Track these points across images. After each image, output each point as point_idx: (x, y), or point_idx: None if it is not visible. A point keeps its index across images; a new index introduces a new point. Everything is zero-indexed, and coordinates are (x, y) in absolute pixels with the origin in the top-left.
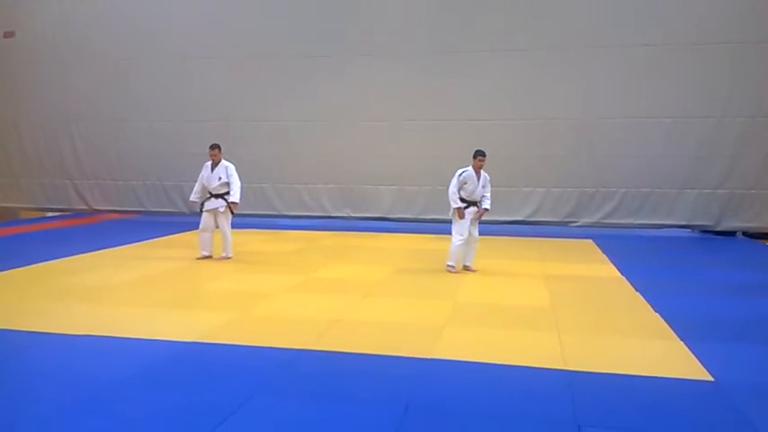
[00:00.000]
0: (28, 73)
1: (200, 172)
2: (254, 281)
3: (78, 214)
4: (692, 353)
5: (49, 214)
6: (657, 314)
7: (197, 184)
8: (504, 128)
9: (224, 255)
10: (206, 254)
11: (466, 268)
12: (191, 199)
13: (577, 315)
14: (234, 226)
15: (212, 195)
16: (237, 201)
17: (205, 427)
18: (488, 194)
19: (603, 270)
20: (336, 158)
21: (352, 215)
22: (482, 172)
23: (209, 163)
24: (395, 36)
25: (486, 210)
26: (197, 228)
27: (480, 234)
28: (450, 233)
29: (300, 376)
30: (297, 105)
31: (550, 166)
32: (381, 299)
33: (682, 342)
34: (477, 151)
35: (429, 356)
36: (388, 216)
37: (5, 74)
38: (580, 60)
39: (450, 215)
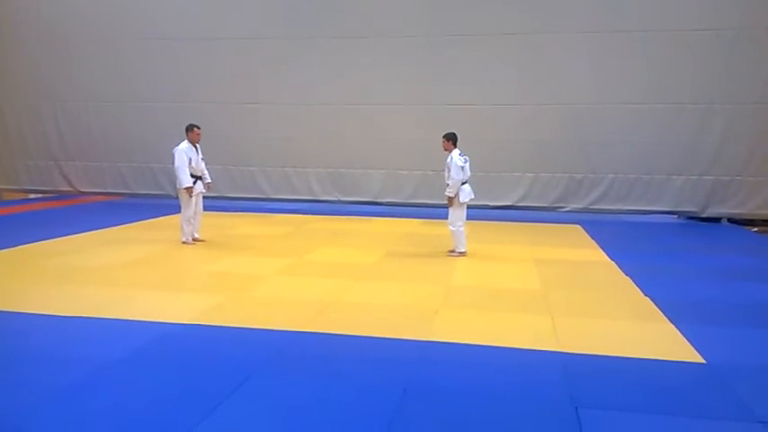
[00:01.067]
0: (12, 52)
1: (179, 156)
2: (245, 264)
3: (63, 196)
4: (683, 336)
5: (32, 196)
6: (648, 298)
7: (186, 168)
8: (494, 113)
9: (198, 236)
10: (198, 237)
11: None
12: (189, 185)
13: (569, 298)
14: (222, 209)
15: (197, 178)
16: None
17: (202, 409)
18: (450, 180)
19: (593, 255)
20: (326, 142)
21: (342, 199)
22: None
23: (189, 145)
24: (386, 19)
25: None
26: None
27: (469, 219)
28: (447, 219)
29: (296, 359)
30: (287, 88)
31: (540, 152)
32: (374, 282)
33: (672, 325)
34: (191, 124)
35: (425, 339)
36: (378, 200)
37: None
38: (572, 46)
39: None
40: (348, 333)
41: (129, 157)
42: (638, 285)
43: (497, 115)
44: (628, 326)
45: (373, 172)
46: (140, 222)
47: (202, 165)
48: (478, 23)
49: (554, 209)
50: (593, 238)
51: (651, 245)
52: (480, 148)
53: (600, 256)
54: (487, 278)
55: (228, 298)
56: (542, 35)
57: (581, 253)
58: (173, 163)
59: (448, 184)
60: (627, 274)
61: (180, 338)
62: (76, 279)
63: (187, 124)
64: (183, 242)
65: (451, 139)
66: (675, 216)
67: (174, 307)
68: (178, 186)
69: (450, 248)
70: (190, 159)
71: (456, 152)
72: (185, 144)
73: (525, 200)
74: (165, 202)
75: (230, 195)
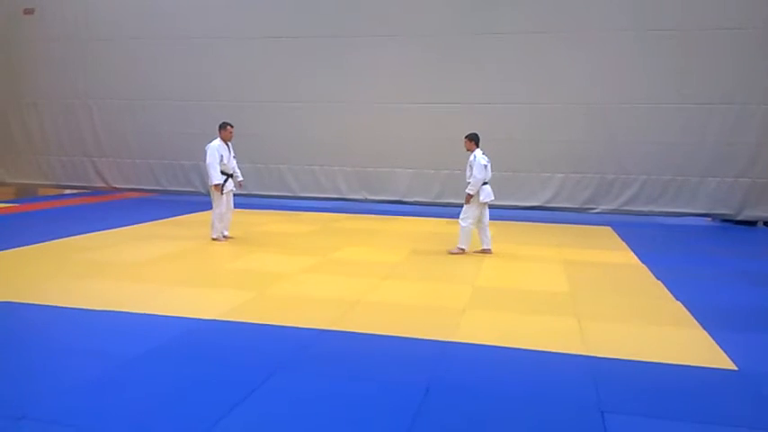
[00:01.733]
0: (48, 50)
1: (211, 153)
2: (273, 261)
3: (97, 192)
4: (715, 341)
5: (67, 191)
6: (679, 302)
7: (217, 165)
8: (522, 112)
9: (228, 234)
10: (227, 234)
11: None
12: (219, 182)
13: (597, 301)
14: (251, 207)
15: (228, 176)
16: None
17: (225, 404)
18: (472, 179)
19: (623, 257)
20: (353, 141)
21: (369, 198)
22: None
23: (221, 142)
24: (414, 17)
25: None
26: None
27: (497, 219)
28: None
29: (321, 356)
30: (314, 87)
31: (569, 152)
32: (400, 281)
33: (704, 331)
34: (225, 122)
35: (450, 339)
36: (405, 199)
37: (25, 51)
38: (601, 44)
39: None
40: (373, 332)
41: (160, 155)
42: (669, 289)
43: (526, 114)
44: (657, 330)
45: (400, 171)
46: (171, 219)
47: (234, 163)
48: (507, 22)
49: (584, 210)
50: (623, 240)
51: (684, 248)
52: (508, 147)
53: (630, 258)
54: (514, 279)
55: (255, 295)
56: (572, 33)
57: (611, 255)
58: (204, 160)
59: (469, 182)
60: (658, 278)
61: (206, 334)
62: (106, 274)
63: (221, 122)
64: (214, 239)
65: (474, 140)
66: (709, 219)
67: (201, 303)
68: (209, 183)
69: (460, 247)
70: (221, 157)
71: (479, 151)
72: (217, 141)
73: (555, 200)
74: (195, 199)
75: (259, 193)
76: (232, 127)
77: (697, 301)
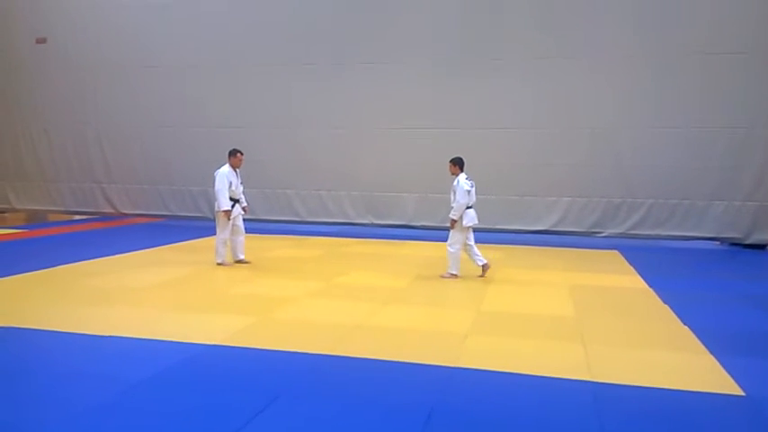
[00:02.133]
0: (59, 79)
1: (220, 179)
2: (277, 286)
3: (106, 218)
4: (722, 366)
5: (77, 217)
6: (686, 327)
7: (226, 191)
8: (528, 136)
9: (243, 258)
10: (242, 258)
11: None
12: (227, 208)
13: (603, 326)
14: (258, 231)
15: (235, 201)
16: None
17: (227, 429)
18: (455, 203)
19: (630, 281)
20: (359, 165)
21: (375, 222)
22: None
23: (231, 169)
24: (420, 43)
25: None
26: None
27: (503, 243)
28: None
29: (323, 381)
30: (321, 113)
31: (576, 176)
32: (404, 306)
33: (712, 356)
34: (235, 149)
35: (452, 365)
36: (411, 224)
37: (37, 79)
38: (607, 69)
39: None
40: (375, 357)
41: (169, 181)
42: (676, 314)
43: (532, 138)
44: (663, 356)
45: (407, 195)
46: (178, 244)
47: (241, 189)
48: (512, 48)
49: (591, 234)
50: (630, 264)
51: (691, 272)
52: (515, 171)
53: (637, 282)
54: (519, 304)
55: (258, 320)
56: (575, 58)
57: (617, 279)
58: (213, 185)
59: (452, 207)
60: (665, 302)
61: (209, 359)
62: (112, 299)
63: (231, 149)
64: (219, 263)
65: (458, 164)
66: (718, 242)
67: (204, 328)
68: (216, 209)
69: (451, 272)
70: (230, 183)
71: (462, 176)
72: (226, 168)
73: (561, 224)
74: (203, 224)
75: (266, 218)
76: (242, 154)
77: (704, 325)
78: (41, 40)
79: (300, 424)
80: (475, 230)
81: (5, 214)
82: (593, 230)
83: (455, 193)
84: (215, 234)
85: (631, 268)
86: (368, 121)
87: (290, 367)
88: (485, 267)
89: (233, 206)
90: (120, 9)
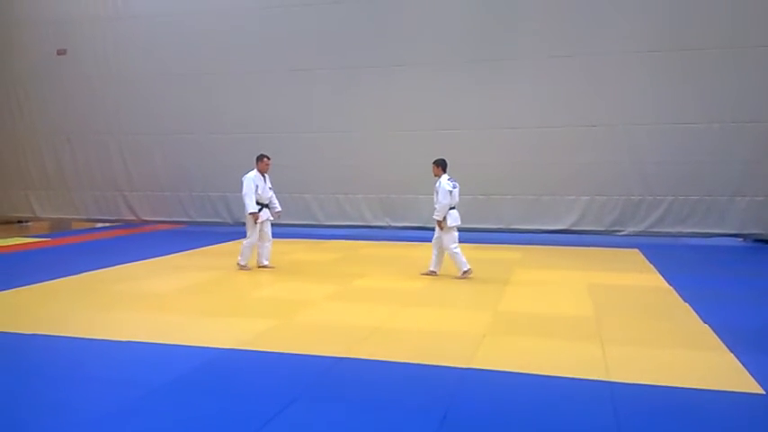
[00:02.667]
0: (80, 89)
1: (247, 184)
2: (295, 289)
3: (128, 225)
4: (743, 365)
5: (99, 225)
6: (707, 325)
7: (252, 195)
8: (544, 135)
9: (267, 263)
10: (266, 263)
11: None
12: (254, 211)
13: (622, 325)
14: (276, 236)
15: (263, 206)
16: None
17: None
18: (437, 204)
19: (650, 280)
20: (376, 168)
21: (392, 224)
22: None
23: (258, 173)
24: (432, 45)
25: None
26: (241, 237)
27: (521, 243)
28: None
29: (339, 384)
30: (337, 116)
31: (594, 174)
32: (420, 308)
33: (732, 354)
34: (262, 154)
35: (468, 366)
36: (428, 225)
37: (59, 90)
38: (625, 65)
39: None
40: (392, 359)
41: (189, 187)
42: (696, 312)
43: (548, 137)
44: (683, 355)
45: (423, 197)
46: (198, 249)
47: (270, 193)
48: (526, 46)
49: (611, 232)
50: (651, 263)
51: (713, 269)
52: (532, 171)
53: (658, 281)
54: (537, 304)
55: (277, 323)
56: (592, 56)
57: (637, 278)
58: (241, 190)
59: (435, 208)
60: (685, 301)
61: (227, 363)
62: (133, 305)
63: (258, 154)
64: (241, 266)
65: (441, 165)
66: (741, 239)
67: (224, 332)
68: (245, 213)
69: (463, 270)
70: (257, 187)
71: (445, 177)
72: (253, 173)
73: (580, 224)
74: (223, 230)
75: (284, 222)
76: (269, 159)
77: (725, 323)
78: (62, 52)
79: (317, 426)
80: (493, 231)
81: (29, 223)
82: (613, 229)
83: (437, 193)
84: (236, 239)
85: (651, 267)
86: (383, 124)
87: (307, 370)
88: (432, 272)
89: (260, 210)
90: (138, 20)
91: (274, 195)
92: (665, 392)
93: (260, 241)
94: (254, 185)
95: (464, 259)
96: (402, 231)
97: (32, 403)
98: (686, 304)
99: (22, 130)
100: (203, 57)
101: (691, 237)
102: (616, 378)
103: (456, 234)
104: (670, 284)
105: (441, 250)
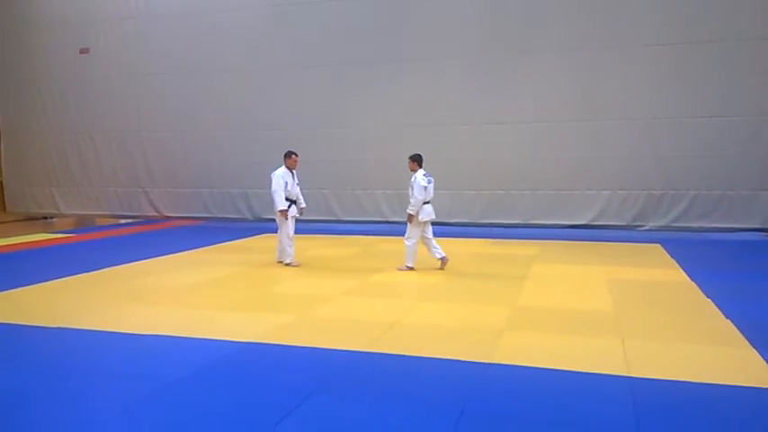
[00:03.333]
0: (102, 87)
1: (277, 180)
2: (314, 285)
3: (150, 221)
4: (766, 361)
5: (122, 221)
6: (729, 321)
7: (281, 192)
8: (563, 130)
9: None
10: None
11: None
12: (283, 207)
13: (642, 320)
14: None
15: (292, 202)
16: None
17: (263, 426)
18: (412, 199)
19: (671, 275)
20: (394, 164)
21: None
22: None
23: (286, 170)
24: (451, 40)
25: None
26: (261, 233)
27: (541, 238)
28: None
29: (357, 378)
30: (355, 112)
31: (615, 168)
32: (439, 303)
33: (754, 350)
34: (290, 151)
35: (486, 361)
36: (446, 220)
37: (82, 88)
38: (642, 59)
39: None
40: (409, 354)
41: (209, 183)
42: (719, 308)
43: (568, 132)
44: (704, 350)
45: (441, 192)
46: (219, 245)
47: (297, 189)
48: (549, 40)
49: (632, 227)
50: (673, 258)
51: (736, 265)
52: (553, 165)
53: (680, 276)
54: (556, 299)
55: (295, 318)
56: (610, 49)
57: (659, 273)
58: (270, 187)
59: (410, 202)
60: (708, 296)
61: (245, 357)
62: (154, 299)
63: (286, 151)
64: (287, 264)
65: (416, 160)
66: (765, 234)
67: (242, 326)
68: (275, 209)
69: (408, 265)
70: (286, 183)
71: (420, 172)
72: (282, 169)
73: (601, 218)
74: (243, 226)
75: (302, 218)
76: (297, 156)
77: (748, 319)
78: (85, 51)
79: (335, 420)
80: (512, 226)
81: (54, 220)
82: (635, 224)
83: (413, 188)
84: (256, 234)
85: (673, 262)
86: (401, 120)
87: (325, 364)
88: (443, 260)
89: (289, 206)
90: (159, 18)
91: (300, 192)
92: (686, 388)
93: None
94: (283, 182)
95: (415, 257)
96: None
97: (51, 395)
98: (708, 300)
99: (47, 129)
100: (223, 54)
101: (714, 232)
102: (636, 373)
103: (426, 228)
104: (692, 280)
105: (428, 242)
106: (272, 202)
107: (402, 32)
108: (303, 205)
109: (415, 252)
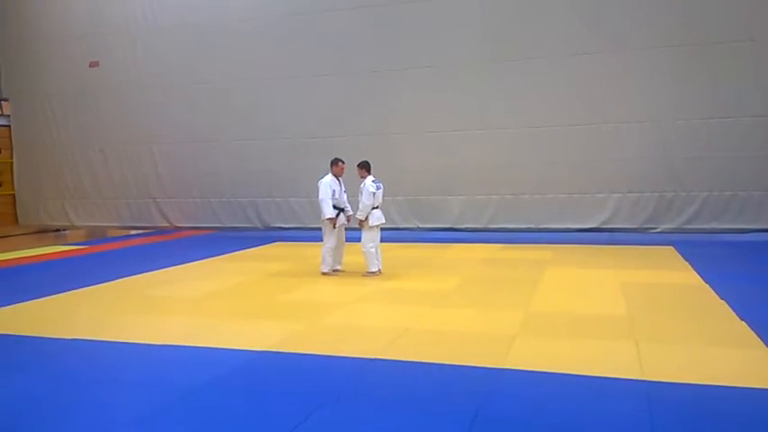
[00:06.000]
0: (112, 100)
1: (324, 188)
2: (327, 291)
3: (161, 231)
4: None
5: (133, 232)
6: (744, 322)
7: (329, 200)
8: (572, 133)
9: (339, 267)
10: (339, 268)
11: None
12: (331, 216)
13: (656, 323)
14: (306, 239)
15: (340, 210)
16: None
17: None
18: (361, 204)
19: (684, 277)
20: (403, 171)
21: (421, 226)
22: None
23: (333, 178)
24: (460, 47)
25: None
26: (272, 241)
27: (553, 242)
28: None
29: (369, 385)
30: (365, 120)
31: (625, 171)
32: (451, 309)
33: None
34: (336, 158)
35: (500, 366)
36: (457, 226)
37: (92, 101)
38: (652, 61)
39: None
40: (422, 360)
41: (219, 193)
42: (733, 310)
43: (578, 135)
44: (719, 352)
45: (451, 198)
46: (230, 254)
47: (344, 197)
48: (553, 44)
49: (644, 230)
50: (686, 260)
51: (749, 266)
52: (562, 169)
53: (692, 278)
54: (568, 304)
55: (307, 326)
56: (623, 52)
57: (672, 276)
58: (317, 195)
59: (359, 208)
60: (722, 298)
61: (259, 365)
62: (167, 309)
63: (333, 158)
64: (323, 273)
65: (365, 167)
66: None
67: (256, 335)
68: (322, 218)
69: (370, 270)
70: (333, 192)
71: (369, 179)
72: (329, 177)
73: (612, 221)
74: (253, 235)
75: (313, 226)
76: (343, 163)
77: (763, 320)
78: (94, 64)
79: (348, 427)
80: (523, 231)
81: (66, 232)
82: (647, 227)
83: (362, 194)
84: (266, 243)
85: (686, 264)
86: (410, 127)
87: (338, 371)
88: (376, 272)
89: (337, 215)
90: (167, 31)
91: (347, 199)
92: (701, 390)
93: (336, 246)
94: (330, 190)
95: (376, 261)
96: (431, 233)
97: (68, 405)
98: (722, 301)
99: (58, 142)
100: (232, 65)
101: (726, 233)
102: (651, 377)
103: (377, 234)
104: (706, 282)
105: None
106: (317, 210)
107: (406, 40)
108: (350, 213)
109: (374, 255)
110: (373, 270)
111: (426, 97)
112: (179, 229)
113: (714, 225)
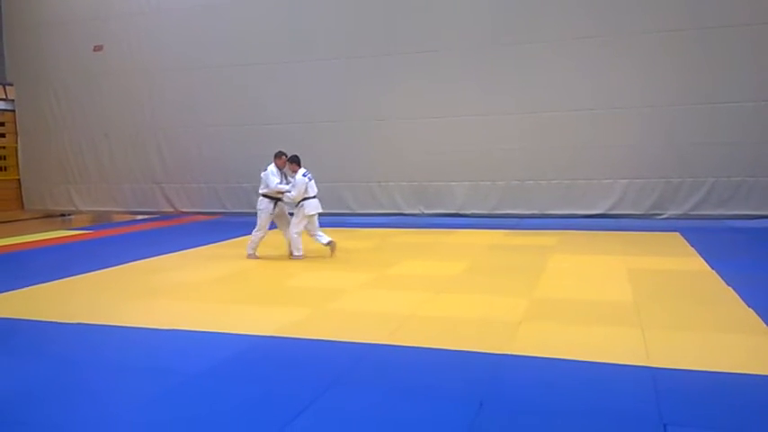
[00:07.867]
0: (116, 84)
1: (274, 176)
2: (330, 278)
3: (165, 216)
4: None
5: (139, 217)
6: (751, 309)
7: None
8: (578, 119)
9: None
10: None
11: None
12: (286, 189)
13: (662, 310)
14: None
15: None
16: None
17: (281, 419)
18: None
19: (691, 264)
20: (408, 156)
21: (426, 212)
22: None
23: (276, 169)
24: (463, 31)
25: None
26: (276, 227)
27: (558, 228)
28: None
29: (374, 371)
30: (368, 105)
31: (631, 157)
32: (456, 295)
33: None
34: (279, 152)
35: (505, 352)
36: (462, 212)
37: (96, 86)
38: (657, 45)
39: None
40: (427, 346)
41: (223, 178)
42: (740, 296)
43: (584, 121)
44: (726, 339)
45: (456, 184)
46: (233, 240)
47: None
48: (556, 28)
49: (651, 216)
50: (692, 246)
51: (757, 252)
52: (568, 155)
53: (699, 264)
54: (574, 290)
55: (312, 311)
56: (627, 36)
57: (678, 262)
58: (263, 186)
59: (289, 196)
60: (728, 285)
61: (262, 351)
62: (171, 294)
63: (276, 151)
64: (249, 256)
65: (295, 161)
66: None
67: (260, 320)
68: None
69: (295, 254)
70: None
71: (301, 172)
72: (272, 167)
73: (618, 207)
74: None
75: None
76: (286, 156)
77: None
78: (98, 48)
79: (353, 412)
80: (529, 217)
81: (72, 217)
82: (653, 213)
83: (294, 186)
84: (272, 228)
85: (693, 250)
86: (415, 112)
87: (343, 357)
88: (331, 245)
89: (274, 206)
90: (171, 14)
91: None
92: (708, 377)
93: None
94: (277, 179)
95: (300, 245)
96: (435, 218)
97: (72, 390)
98: (729, 288)
99: (62, 127)
100: (236, 48)
101: (733, 219)
102: (657, 363)
103: (313, 220)
104: (712, 268)
105: (312, 233)
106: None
107: (410, 24)
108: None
109: (299, 240)
110: (297, 254)
111: (431, 82)
112: (183, 214)
113: (721, 211)
